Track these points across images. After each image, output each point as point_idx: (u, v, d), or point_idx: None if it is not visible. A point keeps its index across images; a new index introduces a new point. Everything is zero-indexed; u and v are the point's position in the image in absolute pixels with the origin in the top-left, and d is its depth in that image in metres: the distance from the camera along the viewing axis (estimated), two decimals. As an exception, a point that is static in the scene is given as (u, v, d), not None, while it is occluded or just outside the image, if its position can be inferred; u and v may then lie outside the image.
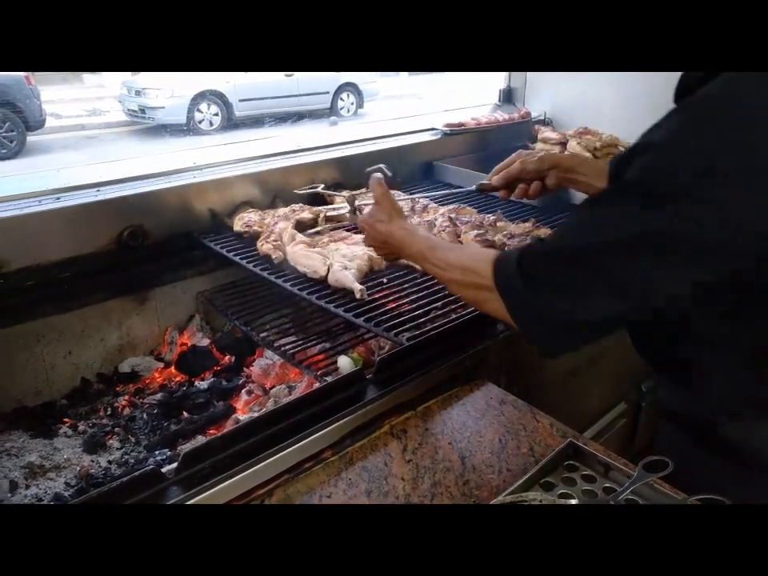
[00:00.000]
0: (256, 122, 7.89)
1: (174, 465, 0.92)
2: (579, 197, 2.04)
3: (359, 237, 1.65)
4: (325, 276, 1.46)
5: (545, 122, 2.82)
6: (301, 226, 1.66)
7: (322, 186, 1.87)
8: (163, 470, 0.91)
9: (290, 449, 0.97)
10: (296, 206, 1.79)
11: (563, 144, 2.47)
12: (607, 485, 0.93)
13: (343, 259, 1.49)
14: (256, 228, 1.65)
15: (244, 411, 1.42)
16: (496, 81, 2.98)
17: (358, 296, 1.37)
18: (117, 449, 1.33)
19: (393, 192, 1.96)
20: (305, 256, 1.54)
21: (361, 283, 1.39)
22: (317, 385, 1.30)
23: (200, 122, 7.62)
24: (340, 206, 1.75)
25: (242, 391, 1.49)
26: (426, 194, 1.95)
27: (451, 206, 1.83)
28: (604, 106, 2.65)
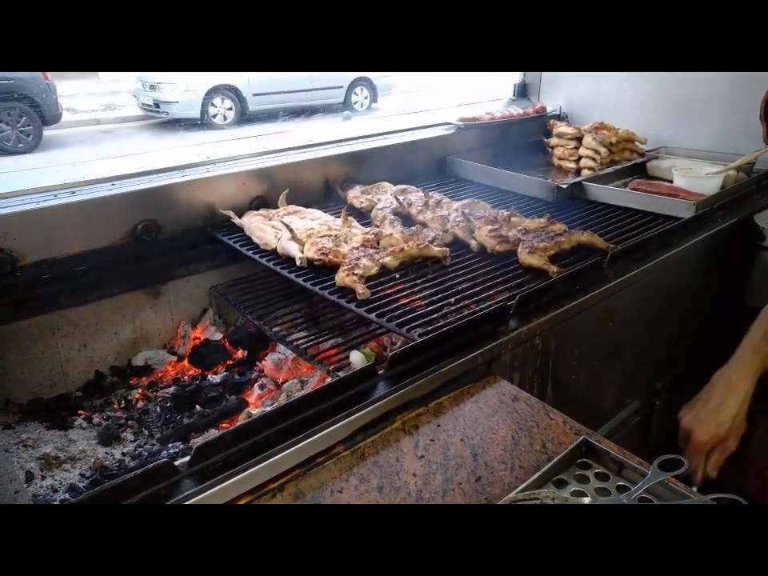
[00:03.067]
0: (270, 116, 7.90)
1: (187, 458, 0.92)
2: (593, 192, 2.03)
3: (316, 213, 1.74)
4: (275, 247, 1.56)
5: (560, 117, 2.80)
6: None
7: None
8: (176, 463, 0.92)
9: (302, 443, 0.97)
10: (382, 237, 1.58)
11: (578, 139, 2.45)
12: (621, 483, 0.92)
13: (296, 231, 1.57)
14: (332, 257, 1.47)
15: (256, 405, 1.43)
16: (511, 75, 2.96)
17: (298, 263, 1.48)
18: (131, 441, 1.34)
19: (407, 187, 1.96)
20: (259, 228, 1.62)
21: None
22: (329, 380, 1.30)
23: (214, 117, 7.65)
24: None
25: (255, 385, 1.50)
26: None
27: (465, 201, 1.82)
28: (620, 101, 2.63)
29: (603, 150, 2.34)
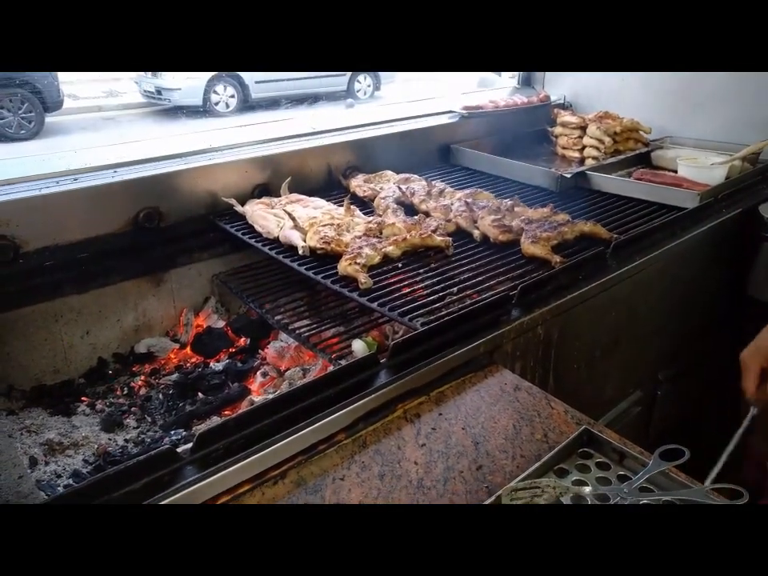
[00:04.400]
0: (272, 103, 7.85)
1: (189, 445, 0.93)
2: (597, 182, 2.02)
3: (318, 201, 1.74)
4: (277, 236, 1.56)
5: (564, 106, 2.78)
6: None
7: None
8: (178, 449, 0.92)
9: (304, 431, 0.97)
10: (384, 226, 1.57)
11: (582, 128, 2.44)
12: (622, 472, 0.93)
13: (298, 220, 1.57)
14: (334, 246, 1.47)
15: (258, 393, 1.43)
16: (515, 63, 2.93)
17: (300, 252, 1.48)
18: (133, 428, 1.34)
19: (409, 176, 1.96)
20: (261, 217, 1.62)
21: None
22: (331, 368, 1.31)
23: (216, 104, 7.61)
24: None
25: (257, 373, 1.50)
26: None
27: (467, 191, 1.81)
28: (625, 91, 2.61)
29: (607, 140, 2.33)
